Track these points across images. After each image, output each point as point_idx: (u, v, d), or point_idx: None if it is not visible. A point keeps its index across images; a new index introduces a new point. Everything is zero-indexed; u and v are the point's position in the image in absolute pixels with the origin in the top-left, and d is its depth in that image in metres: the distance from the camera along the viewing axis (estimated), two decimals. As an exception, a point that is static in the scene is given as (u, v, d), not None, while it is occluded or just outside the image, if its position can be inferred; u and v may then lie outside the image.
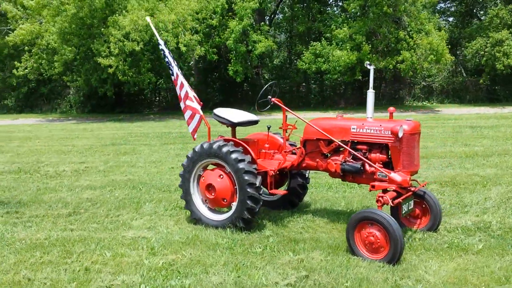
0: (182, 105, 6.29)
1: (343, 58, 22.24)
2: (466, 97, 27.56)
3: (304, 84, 29.24)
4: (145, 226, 5.80)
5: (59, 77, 23.90)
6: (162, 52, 6.52)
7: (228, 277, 4.29)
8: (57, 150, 12.37)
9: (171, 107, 29.59)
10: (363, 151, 5.29)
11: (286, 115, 5.98)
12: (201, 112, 6.13)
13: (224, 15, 24.09)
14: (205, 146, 5.60)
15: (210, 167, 5.79)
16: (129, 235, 5.46)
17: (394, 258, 4.47)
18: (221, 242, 5.16)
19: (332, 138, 5.35)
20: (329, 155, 5.61)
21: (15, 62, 23.14)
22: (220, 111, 5.97)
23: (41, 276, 4.31)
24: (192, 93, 6.23)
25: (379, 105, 26.98)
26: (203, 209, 5.78)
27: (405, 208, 4.98)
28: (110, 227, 5.79)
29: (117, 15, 20.49)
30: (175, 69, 6.25)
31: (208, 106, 27.79)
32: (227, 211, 5.63)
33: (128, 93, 25.70)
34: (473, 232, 5.36)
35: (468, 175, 8.18)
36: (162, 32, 20.69)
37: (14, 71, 22.96)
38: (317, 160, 5.63)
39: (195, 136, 6.37)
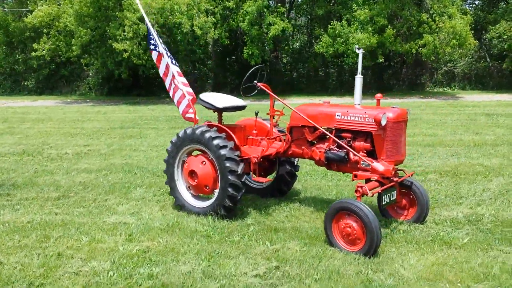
0: (166, 85, 6.18)
1: (363, 41, 21.68)
2: (489, 83, 26.70)
3: (323, 68, 28.80)
4: (129, 211, 5.78)
5: (78, 60, 24.10)
6: (148, 32, 6.43)
7: (198, 266, 4.22)
8: (65, 132, 12.49)
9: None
10: (347, 139, 5.11)
11: (274, 101, 5.81)
12: (188, 96, 6.04)
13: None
14: (188, 131, 5.51)
15: (196, 153, 5.71)
16: (111, 220, 5.44)
17: (370, 250, 4.32)
18: (200, 230, 5.09)
19: (316, 125, 5.19)
20: (314, 142, 5.45)
21: (34, 44, 23.42)
22: (205, 96, 5.86)
23: (13, 260, 4.32)
24: (180, 79, 6.13)
25: (399, 90, 26.53)
26: (186, 196, 5.72)
27: (385, 198, 4.80)
28: (95, 211, 5.79)
29: (129, -2, 20.46)
30: (160, 48, 6.17)
31: (225, 90, 27.82)
32: (210, 198, 5.56)
33: (146, 76, 25.77)
34: (462, 225, 5.16)
35: (471, 165, 7.88)
36: (177, 14, 20.58)
37: (32, 52, 23.25)
38: (303, 147, 5.48)
39: (197, 118, 6.13)
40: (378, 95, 5.17)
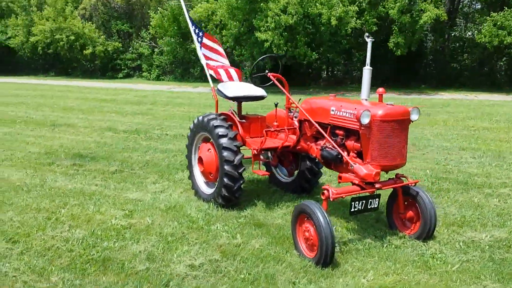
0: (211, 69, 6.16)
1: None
2: None
3: (492, 60, 25.43)
4: (154, 190, 6.17)
5: (231, 51, 25.79)
6: (192, 28, 6.52)
7: (151, 247, 4.37)
8: (188, 116, 13.38)
9: (337, 82, 29.30)
10: (341, 136, 4.63)
11: (290, 92, 5.54)
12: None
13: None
14: (199, 118, 5.64)
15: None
16: (131, 196, 5.92)
17: (320, 259, 3.90)
18: (192, 216, 5.20)
19: (311, 119, 4.81)
20: (319, 138, 5.05)
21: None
22: (222, 85, 5.87)
23: (19, 218, 5.04)
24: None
25: None
26: (200, 181, 5.87)
27: (357, 206, 4.22)
28: (127, 186, 6.36)
29: (276, -11, 20.99)
30: (197, 41, 6.32)
31: (374, 83, 26.57)
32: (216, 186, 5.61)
33: (296, 67, 26.24)
34: (473, 250, 4.27)
35: None
36: (316, 4, 20.42)
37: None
38: (308, 143, 5.14)
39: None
40: (380, 89, 4.51)
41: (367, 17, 22.35)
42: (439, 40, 25.92)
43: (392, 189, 4.65)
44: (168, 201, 5.72)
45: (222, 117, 5.50)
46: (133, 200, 5.79)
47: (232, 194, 5.28)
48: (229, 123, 5.41)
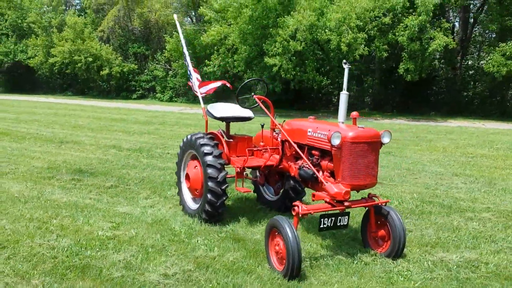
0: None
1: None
2: None
3: (502, 89, 25.45)
4: (144, 205, 6.41)
5: (243, 74, 26.29)
6: (184, 54, 6.89)
7: (131, 257, 4.57)
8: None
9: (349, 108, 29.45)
10: (316, 157, 4.84)
11: (275, 114, 5.79)
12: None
13: (404, 12, 22.73)
14: (188, 137, 5.91)
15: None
16: (121, 210, 6.16)
17: (288, 272, 4.08)
18: (176, 229, 5.42)
19: (290, 140, 5.04)
20: (298, 158, 5.27)
21: (206, 60, 26.47)
22: (211, 106, 6.16)
23: (12, 226, 5.32)
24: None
25: None
26: (187, 197, 6.10)
27: (326, 222, 4.38)
28: (119, 201, 6.62)
29: (286, 15, 21.49)
30: (190, 69, 6.66)
31: (384, 109, 26.83)
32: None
33: (306, 91, 26.57)
34: (439, 269, 4.39)
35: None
36: (326, 31, 20.84)
37: (204, 67, 26.24)
38: (289, 162, 5.35)
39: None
40: (354, 113, 4.73)
41: (377, 44, 22.69)
42: (448, 68, 26.06)
43: (366, 209, 4.82)
44: (156, 215, 5.95)
45: (209, 136, 5.75)
46: (122, 213, 6.03)
47: (215, 210, 5.49)
48: (215, 142, 5.66)
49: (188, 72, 6.75)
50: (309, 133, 4.88)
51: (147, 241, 5.02)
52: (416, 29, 21.71)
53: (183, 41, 6.90)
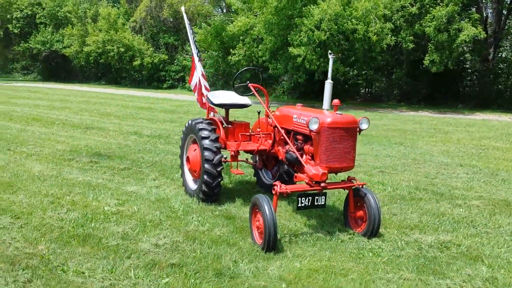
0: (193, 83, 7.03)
1: None
2: None
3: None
4: (151, 185, 6.91)
5: (267, 65, 26.57)
6: (190, 38, 7.34)
7: (129, 229, 5.06)
8: None
9: (374, 98, 29.37)
10: (300, 141, 5.18)
11: (269, 101, 6.15)
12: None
13: (431, 3, 22.45)
14: (189, 122, 6.35)
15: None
16: (129, 189, 6.67)
17: (265, 245, 4.47)
18: (174, 207, 5.88)
19: (278, 126, 5.39)
20: (286, 143, 5.61)
21: (230, 50, 26.91)
22: (211, 94, 6.57)
23: (28, 200, 5.91)
24: (203, 83, 6.98)
25: None
26: (188, 178, 6.55)
27: (304, 201, 4.73)
28: (128, 180, 7.14)
29: (311, 5, 21.60)
30: (195, 54, 7.08)
31: (412, 101, 26.56)
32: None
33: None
34: (410, 248, 4.68)
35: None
36: (352, 20, 20.81)
37: (229, 57, 26.65)
38: (279, 147, 5.71)
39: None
40: (336, 100, 5.04)
41: (404, 35, 22.55)
42: (477, 59, 25.56)
43: (348, 191, 5.14)
44: (159, 194, 6.43)
45: (207, 121, 6.17)
46: (129, 192, 6.54)
47: (211, 190, 5.92)
48: (213, 127, 6.07)
49: (199, 72, 7.13)
50: (294, 119, 5.22)
51: (147, 217, 5.50)
52: (444, 19, 21.46)
53: (190, 37, 7.31)
